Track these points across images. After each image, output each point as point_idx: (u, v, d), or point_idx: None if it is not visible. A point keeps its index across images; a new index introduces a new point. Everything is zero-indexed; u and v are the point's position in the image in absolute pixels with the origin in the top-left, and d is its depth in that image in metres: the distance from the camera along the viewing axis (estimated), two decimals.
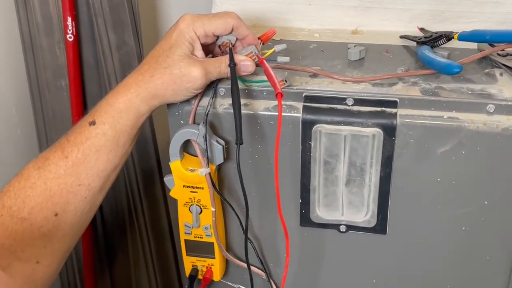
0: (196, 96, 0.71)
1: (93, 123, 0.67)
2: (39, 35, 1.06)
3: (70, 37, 1.04)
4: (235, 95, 0.65)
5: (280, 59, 0.75)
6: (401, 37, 0.84)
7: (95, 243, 1.22)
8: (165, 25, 1.25)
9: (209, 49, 0.74)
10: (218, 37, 0.70)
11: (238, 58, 0.69)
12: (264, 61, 0.68)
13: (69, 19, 1.03)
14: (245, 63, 0.69)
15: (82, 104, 1.10)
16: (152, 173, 1.20)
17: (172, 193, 0.74)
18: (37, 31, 1.06)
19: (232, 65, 0.67)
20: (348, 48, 0.79)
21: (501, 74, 0.72)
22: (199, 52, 0.69)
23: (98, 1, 1.04)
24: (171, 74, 0.66)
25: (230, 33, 0.70)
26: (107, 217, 1.23)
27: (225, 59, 0.68)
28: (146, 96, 0.67)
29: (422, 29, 0.85)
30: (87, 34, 1.08)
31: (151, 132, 1.17)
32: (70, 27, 1.04)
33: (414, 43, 0.81)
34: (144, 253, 1.24)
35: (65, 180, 0.66)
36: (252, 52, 0.69)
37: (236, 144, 0.64)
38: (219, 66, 0.68)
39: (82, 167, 0.66)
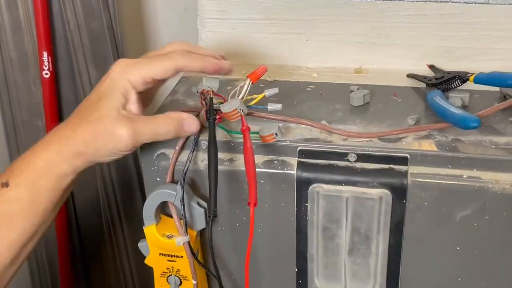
0: (174, 148, 0.61)
1: (6, 184, 0.56)
2: (13, 71, 0.98)
3: (46, 74, 0.96)
4: (212, 155, 0.56)
5: (271, 106, 0.64)
6: (409, 76, 0.74)
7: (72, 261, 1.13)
8: None
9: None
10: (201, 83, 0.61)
11: (181, 116, 0.59)
12: (243, 117, 0.59)
13: (45, 54, 0.95)
14: (188, 121, 0.59)
15: None
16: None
17: (148, 261, 0.64)
18: (11, 67, 0.98)
19: (212, 119, 0.57)
20: (351, 91, 0.69)
21: None
22: (134, 106, 0.58)
23: (78, 34, 0.96)
24: (93, 131, 0.56)
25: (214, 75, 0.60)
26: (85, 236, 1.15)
27: (163, 118, 0.58)
28: (67, 154, 0.57)
29: (431, 67, 0.74)
30: (65, 69, 1.00)
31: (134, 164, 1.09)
32: (46, 63, 0.95)
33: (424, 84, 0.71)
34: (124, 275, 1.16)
35: None
36: (236, 108, 0.59)
37: (209, 216, 0.54)
38: (155, 127, 0.58)
39: None
